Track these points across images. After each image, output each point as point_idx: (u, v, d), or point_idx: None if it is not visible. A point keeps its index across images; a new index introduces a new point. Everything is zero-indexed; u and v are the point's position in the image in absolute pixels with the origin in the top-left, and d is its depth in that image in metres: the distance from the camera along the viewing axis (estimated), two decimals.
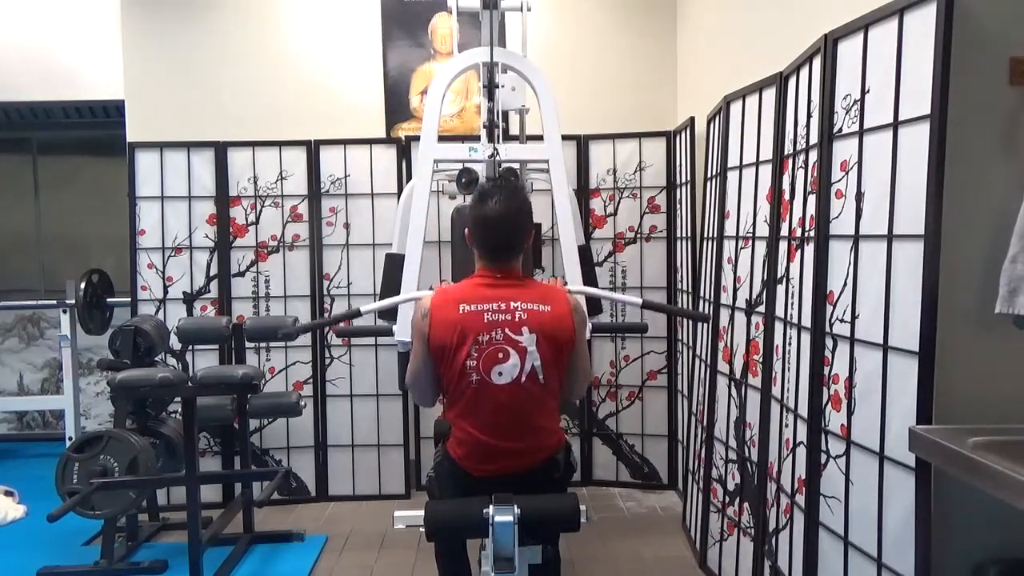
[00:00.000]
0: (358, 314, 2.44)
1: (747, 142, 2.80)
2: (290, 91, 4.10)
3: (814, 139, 2.20)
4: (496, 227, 2.02)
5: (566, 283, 2.36)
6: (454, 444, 2.05)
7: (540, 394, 2.00)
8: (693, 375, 3.40)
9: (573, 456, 2.16)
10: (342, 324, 3.84)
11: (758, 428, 2.54)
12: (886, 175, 1.85)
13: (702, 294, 3.24)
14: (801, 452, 2.20)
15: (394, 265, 2.98)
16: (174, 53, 4.10)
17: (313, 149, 3.93)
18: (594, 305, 3.08)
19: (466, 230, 2.11)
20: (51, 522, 2.61)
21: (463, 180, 2.89)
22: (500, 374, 1.95)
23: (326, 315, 3.90)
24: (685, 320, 3.74)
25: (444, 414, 2.14)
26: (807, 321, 2.17)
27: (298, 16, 4.13)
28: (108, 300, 4.27)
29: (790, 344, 2.32)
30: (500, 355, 1.94)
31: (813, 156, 2.20)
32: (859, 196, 1.97)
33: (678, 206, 3.88)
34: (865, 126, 1.96)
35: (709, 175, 3.28)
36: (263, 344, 3.87)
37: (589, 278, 3.04)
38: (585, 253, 3.06)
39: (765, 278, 2.55)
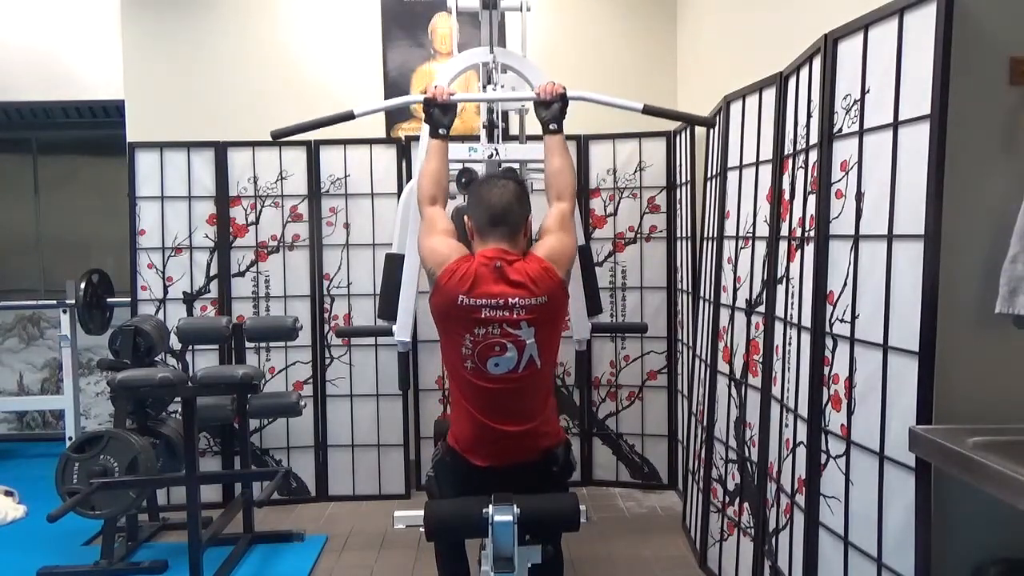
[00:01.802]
0: (351, 116, 2.50)
1: (747, 142, 2.80)
2: (290, 91, 4.10)
3: (814, 139, 2.20)
4: (497, 197, 2.05)
5: (565, 87, 2.36)
6: (454, 432, 2.06)
7: (537, 378, 2.02)
8: (693, 375, 3.40)
9: (572, 455, 2.16)
10: (342, 324, 3.87)
11: (758, 428, 2.54)
12: (886, 175, 1.85)
13: (702, 294, 3.24)
14: (801, 452, 2.20)
15: (394, 265, 2.98)
16: (174, 53, 4.10)
17: (313, 149, 3.93)
18: (594, 305, 3.07)
19: (465, 218, 2.11)
20: (51, 522, 2.61)
21: (463, 180, 2.88)
22: (497, 365, 1.96)
23: (327, 315, 3.90)
24: (685, 320, 3.74)
25: (445, 413, 2.15)
26: (807, 321, 2.17)
27: (298, 16, 4.13)
28: (108, 300, 4.26)
29: (790, 344, 2.32)
30: (497, 348, 1.95)
31: (813, 156, 2.21)
32: (859, 196, 1.97)
33: (678, 206, 3.88)
34: (865, 126, 1.96)
35: (709, 175, 3.28)
36: (263, 344, 3.87)
37: (589, 278, 3.04)
38: (585, 253, 3.05)
39: (765, 278, 2.55)
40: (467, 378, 1.99)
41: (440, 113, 2.34)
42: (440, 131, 2.32)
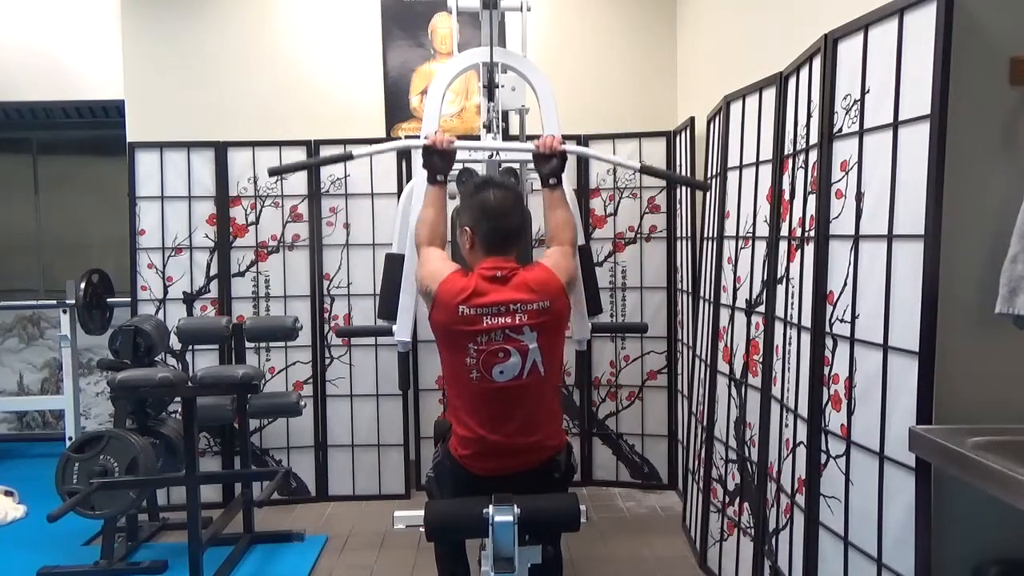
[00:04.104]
0: (350, 157, 2.46)
1: (747, 142, 2.80)
2: (290, 91, 4.10)
3: (814, 139, 2.20)
4: (502, 216, 2.03)
5: (564, 142, 2.36)
6: (456, 443, 2.05)
7: (542, 387, 2.01)
8: (693, 375, 3.40)
9: (574, 458, 2.15)
10: (342, 324, 3.87)
11: (758, 428, 2.54)
12: (886, 175, 1.85)
13: (702, 294, 3.24)
14: (801, 452, 2.20)
15: (394, 265, 2.98)
16: (174, 53, 4.10)
17: (313, 149, 3.92)
18: (594, 305, 3.07)
19: (467, 230, 2.09)
20: (51, 522, 2.61)
21: (463, 180, 2.88)
22: (501, 372, 1.95)
23: (327, 315, 3.90)
24: (685, 320, 3.74)
25: (445, 413, 2.14)
26: (807, 321, 2.17)
27: (298, 16, 4.13)
28: (108, 300, 4.26)
29: (790, 344, 2.32)
30: (501, 355, 1.94)
31: (813, 156, 2.21)
32: (859, 196, 1.97)
33: (678, 206, 3.88)
34: (865, 126, 1.96)
35: (709, 175, 3.28)
36: (263, 344, 3.87)
37: (589, 278, 3.04)
38: (585, 253, 3.05)
39: (765, 278, 2.55)
40: (472, 388, 1.98)
41: (439, 160, 2.29)
42: (438, 177, 2.27)
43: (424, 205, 2.28)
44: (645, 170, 2.51)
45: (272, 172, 2.52)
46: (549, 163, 2.29)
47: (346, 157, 2.45)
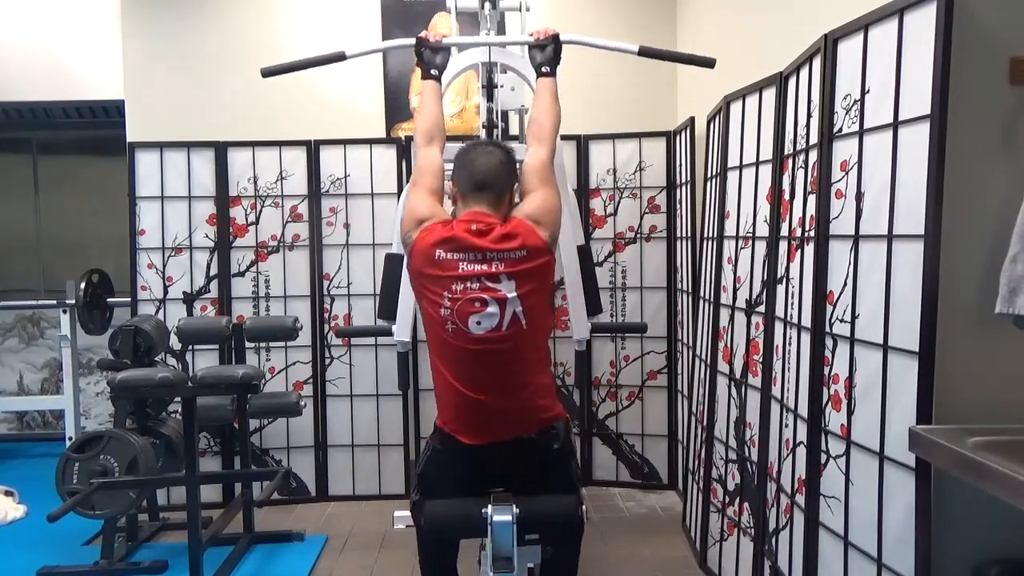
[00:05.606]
0: (343, 57, 2.61)
1: (747, 142, 2.80)
2: (290, 91, 4.09)
3: (814, 139, 2.20)
4: (483, 162, 2.03)
5: (558, 34, 2.48)
6: (442, 414, 1.99)
7: (525, 342, 1.92)
8: (693, 375, 3.40)
9: (573, 437, 2.09)
10: (342, 324, 3.87)
11: (758, 428, 2.54)
12: (886, 175, 1.85)
13: (702, 294, 3.24)
14: (801, 452, 2.20)
15: (394, 265, 2.97)
16: (174, 53, 4.10)
17: (313, 149, 3.93)
18: (594, 305, 3.07)
19: (451, 183, 2.09)
20: (51, 522, 2.61)
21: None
22: (478, 323, 1.88)
23: (327, 315, 3.90)
24: (685, 320, 3.74)
25: (430, 360, 2.06)
26: (807, 321, 2.17)
27: (298, 16, 4.13)
28: (108, 300, 4.26)
29: (790, 344, 2.32)
30: (477, 304, 1.87)
31: (813, 156, 2.21)
32: (859, 196, 1.97)
33: (678, 206, 3.88)
34: (865, 126, 1.96)
35: (709, 175, 3.28)
36: (263, 344, 3.87)
37: (589, 278, 3.04)
38: (585, 253, 3.05)
39: (765, 278, 2.55)
40: (449, 342, 1.90)
41: (431, 54, 2.45)
42: (432, 72, 2.42)
43: (421, 100, 2.37)
44: (644, 52, 2.59)
45: (265, 73, 2.71)
46: (544, 51, 2.46)
47: (339, 57, 2.60)
